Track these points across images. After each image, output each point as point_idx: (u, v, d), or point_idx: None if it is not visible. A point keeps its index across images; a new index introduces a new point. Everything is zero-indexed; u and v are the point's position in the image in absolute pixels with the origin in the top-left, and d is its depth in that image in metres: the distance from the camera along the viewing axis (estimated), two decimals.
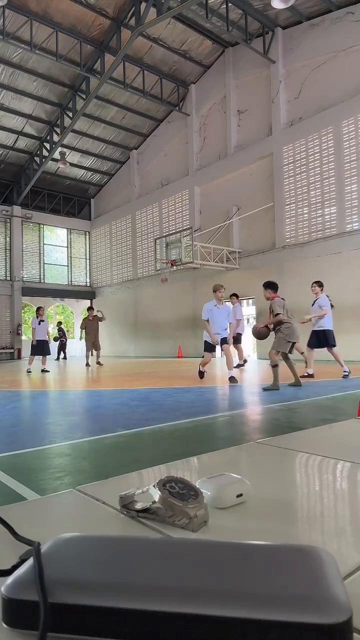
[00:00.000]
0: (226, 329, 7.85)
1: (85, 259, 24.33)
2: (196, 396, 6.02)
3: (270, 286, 6.98)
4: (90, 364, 13.30)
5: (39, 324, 11.30)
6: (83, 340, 13.74)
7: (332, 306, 7.77)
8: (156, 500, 0.56)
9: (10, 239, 21.47)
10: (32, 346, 11.37)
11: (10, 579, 0.38)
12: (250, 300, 16.67)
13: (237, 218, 15.97)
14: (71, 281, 23.63)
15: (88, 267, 24.31)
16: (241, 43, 14.42)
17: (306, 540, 0.55)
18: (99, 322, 13.79)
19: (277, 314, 6.64)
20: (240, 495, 0.65)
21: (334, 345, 7.67)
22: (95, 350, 13.53)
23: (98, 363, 13.38)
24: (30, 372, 10.93)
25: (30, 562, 0.40)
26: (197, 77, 17.62)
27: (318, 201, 13.77)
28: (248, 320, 18.46)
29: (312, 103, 13.96)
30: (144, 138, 20.27)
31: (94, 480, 0.83)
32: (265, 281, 7.08)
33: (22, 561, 0.42)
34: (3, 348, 20.78)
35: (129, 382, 8.37)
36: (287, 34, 14.61)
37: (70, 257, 23.79)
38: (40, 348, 11.27)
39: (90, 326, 13.54)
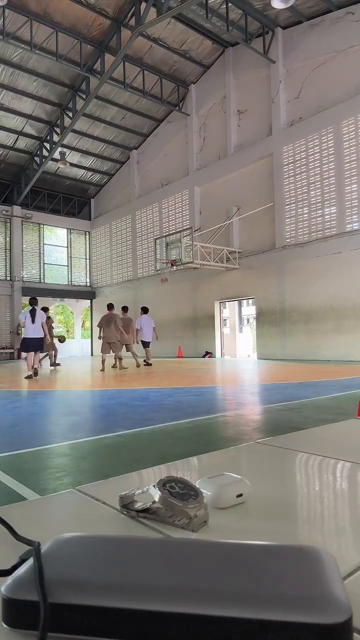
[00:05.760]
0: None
1: (85, 259, 24.31)
2: (196, 396, 6.03)
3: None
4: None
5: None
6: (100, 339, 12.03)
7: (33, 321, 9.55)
8: (156, 500, 0.56)
9: (10, 239, 21.46)
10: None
11: (10, 579, 0.38)
12: (250, 300, 16.65)
13: (237, 218, 15.96)
14: (71, 281, 23.62)
15: (88, 267, 24.29)
16: (241, 43, 14.41)
17: (306, 540, 0.55)
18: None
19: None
20: (240, 495, 0.65)
21: (26, 351, 9.55)
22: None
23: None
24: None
25: (30, 562, 0.40)
26: (197, 77, 17.62)
27: (318, 201, 13.77)
28: (248, 320, 18.42)
29: (312, 103, 13.95)
30: (144, 138, 20.26)
31: (94, 480, 0.83)
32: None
33: (22, 561, 0.42)
34: (3, 348, 20.78)
35: (129, 382, 8.37)
36: (287, 34, 14.61)
37: (70, 257, 23.77)
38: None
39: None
